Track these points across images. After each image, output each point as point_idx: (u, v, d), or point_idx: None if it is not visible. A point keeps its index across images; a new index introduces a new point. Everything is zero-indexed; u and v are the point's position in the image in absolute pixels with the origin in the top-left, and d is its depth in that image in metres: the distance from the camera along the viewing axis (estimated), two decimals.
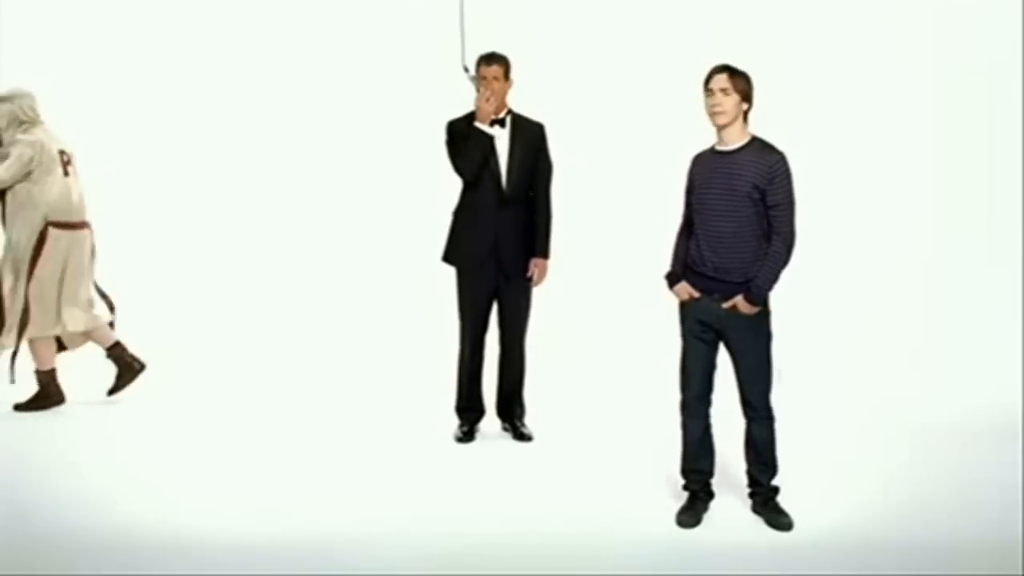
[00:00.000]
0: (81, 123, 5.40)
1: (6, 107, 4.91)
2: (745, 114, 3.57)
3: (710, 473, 3.84)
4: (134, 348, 5.17)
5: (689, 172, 3.74)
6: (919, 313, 5.75)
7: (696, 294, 3.67)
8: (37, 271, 4.87)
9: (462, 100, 4.54)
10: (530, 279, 4.61)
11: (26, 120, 4.91)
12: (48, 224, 4.87)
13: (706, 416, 3.77)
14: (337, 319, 6.08)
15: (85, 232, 5.03)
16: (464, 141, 4.47)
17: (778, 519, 3.70)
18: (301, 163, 6.32)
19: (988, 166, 5.84)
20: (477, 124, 4.46)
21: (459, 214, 4.62)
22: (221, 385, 5.32)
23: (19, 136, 4.87)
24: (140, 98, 6.09)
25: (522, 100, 4.60)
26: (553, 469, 4.31)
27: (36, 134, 4.90)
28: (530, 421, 4.76)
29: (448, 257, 4.65)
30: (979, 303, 5.69)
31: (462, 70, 4.48)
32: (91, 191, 5.12)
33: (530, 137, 4.56)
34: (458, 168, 4.51)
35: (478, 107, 4.46)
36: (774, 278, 3.55)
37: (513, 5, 5.69)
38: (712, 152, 3.66)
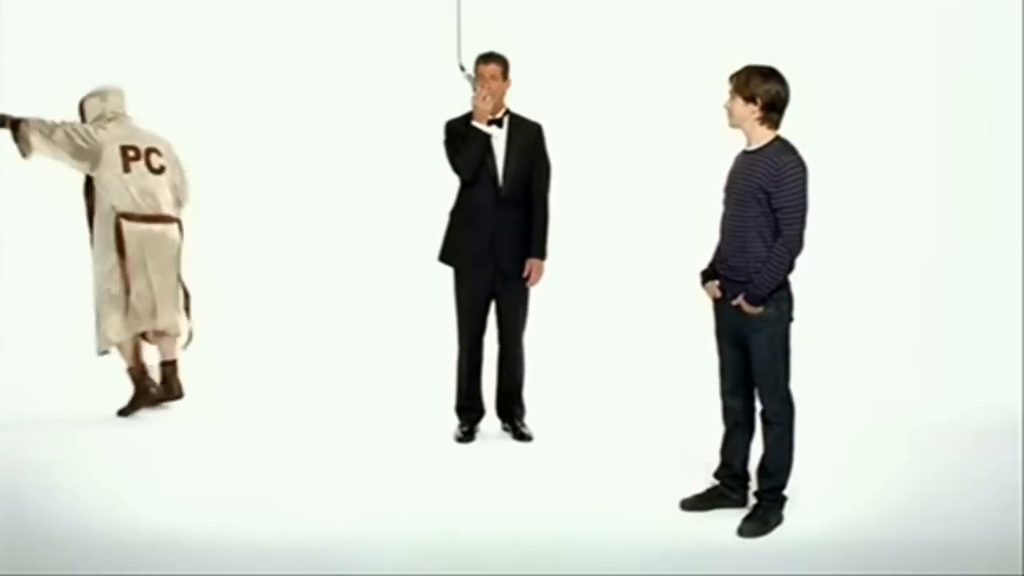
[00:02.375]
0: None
1: (94, 102, 4.90)
2: (765, 115, 3.55)
3: (732, 468, 3.86)
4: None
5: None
6: (919, 313, 5.75)
7: (718, 293, 3.72)
8: (128, 266, 4.86)
9: (461, 100, 4.54)
10: (526, 279, 4.60)
11: (110, 116, 4.89)
12: (119, 216, 4.86)
13: (735, 413, 3.82)
14: (337, 319, 6.07)
15: (160, 227, 4.94)
16: (462, 140, 4.47)
17: (742, 524, 3.68)
18: (299, 163, 6.31)
19: (988, 166, 5.84)
20: (474, 123, 4.46)
21: (456, 214, 4.61)
22: (221, 385, 5.32)
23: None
24: (133, 98, 6.07)
25: (520, 100, 4.60)
26: (553, 469, 4.31)
27: (109, 129, 4.87)
28: (530, 421, 4.76)
29: (445, 257, 4.64)
30: (979, 303, 5.69)
31: (459, 69, 4.48)
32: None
33: (527, 137, 4.55)
34: (456, 167, 4.51)
35: (475, 106, 4.45)
36: (771, 281, 3.54)
37: (511, 4, 5.68)
38: (742, 152, 3.68)
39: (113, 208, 4.85)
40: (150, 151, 4.96)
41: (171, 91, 6.12)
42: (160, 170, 4.98)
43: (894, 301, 5.76)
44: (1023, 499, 3.90)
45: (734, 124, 3.62)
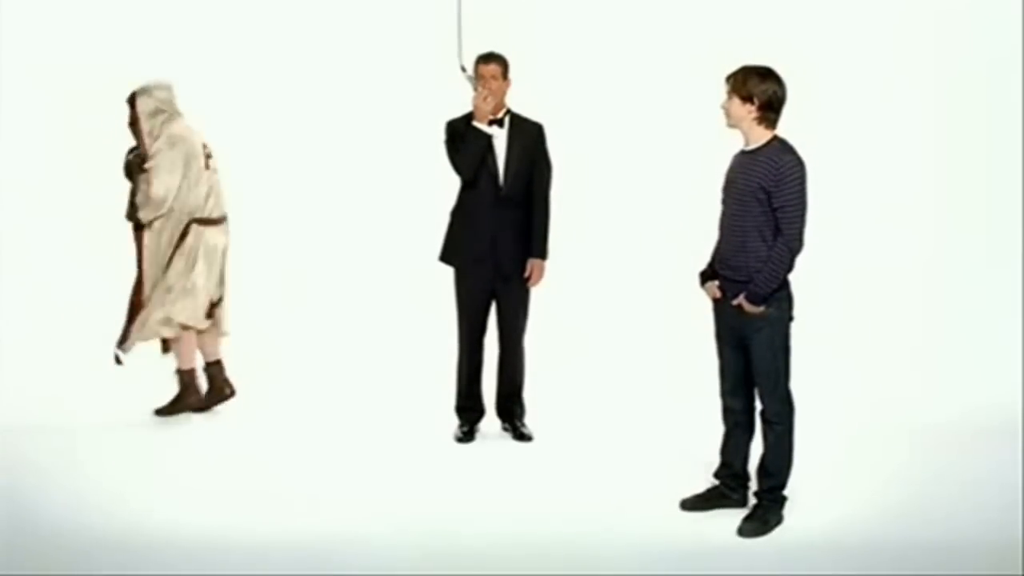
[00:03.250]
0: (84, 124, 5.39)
1: (144, 99, 4.79)
2: (763, 115, 3.55)
3: (732, 468, 3.87)
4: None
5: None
6: (919, 313, 5.75)
7: (718, 294, 3.73)
8: (171, 266, 4.81)
9: (462, 100, 4.54)
10: (527, 280, 4.60)
11: (165, 111, 4.79)
12: (192, 221, 4.81)
13: (735, 413, 3.82)
14: (337, 319, 6.07)
15: (218, 228, 4.93)
16: (463, 140, 4.47)
17: (742, 524, 3.69)
18: (299, 163, 6.31)
19: (988, 166, 5.84)
20: (475, 123, 4.46)
21: (456, 214, 4.61)
22: None
23: (159, 144, 4.74)
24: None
25: (520, 100, 4.60)
26: (553, 469, 4.31)
27: (177, 127, 4.78)
28: (530, 421, 4.76)
29: (445, 257, 4.64)
30: (979, 303, 5.69)
31: (459, 69, 4.48)
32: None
33: (528, 137, 4.55)
34: (457, 167, 4.51)
35: (476, 106, 4.45)
36: (773, 280, 3.55)
37: (511, 5, 5.69)
38: (740, 152, 3.68)
39: (189, 214, 4.79)
40: (209, 148, 4.92)
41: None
42: (216, 169, 4.95)
43: (894, 301, 5.76)
44: (1023, 499, 3.90)
45: (731, 124, 3.63)
